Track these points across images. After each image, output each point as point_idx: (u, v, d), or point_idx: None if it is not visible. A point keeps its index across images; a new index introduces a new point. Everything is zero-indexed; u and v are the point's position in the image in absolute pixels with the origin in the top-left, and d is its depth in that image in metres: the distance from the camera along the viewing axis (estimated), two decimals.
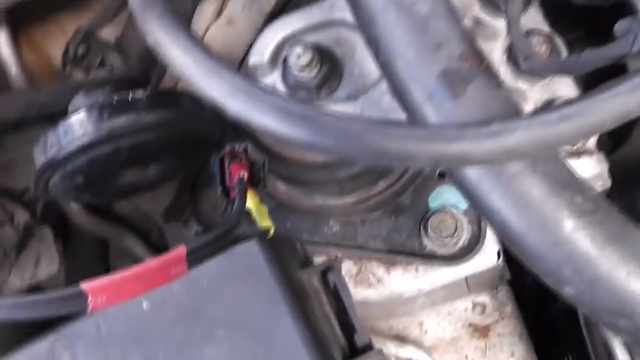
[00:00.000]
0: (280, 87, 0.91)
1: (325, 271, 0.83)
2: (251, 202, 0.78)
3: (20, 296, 0.65)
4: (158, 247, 1.06)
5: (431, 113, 0.66)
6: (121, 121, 0.81)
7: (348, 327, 0.82)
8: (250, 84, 0.61)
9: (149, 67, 1.01)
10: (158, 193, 1.02)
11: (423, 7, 0.67)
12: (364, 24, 0.69)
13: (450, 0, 0.66)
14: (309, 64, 0.87)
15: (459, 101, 0.65)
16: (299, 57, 0.87)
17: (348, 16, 0.90)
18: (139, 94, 0.83)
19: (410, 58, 0.67)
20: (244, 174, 0.81)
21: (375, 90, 0.89)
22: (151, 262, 0.67)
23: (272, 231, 0.76)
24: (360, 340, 0.80)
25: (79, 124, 0.82)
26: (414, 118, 0.67)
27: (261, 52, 0.92)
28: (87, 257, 1.05)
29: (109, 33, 1.05)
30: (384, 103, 0.89)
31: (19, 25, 1.01)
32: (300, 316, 0.76)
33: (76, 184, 0.85)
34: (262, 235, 0.76)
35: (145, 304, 0.78)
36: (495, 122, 0.60)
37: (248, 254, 0.77)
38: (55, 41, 1.05)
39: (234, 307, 0.77)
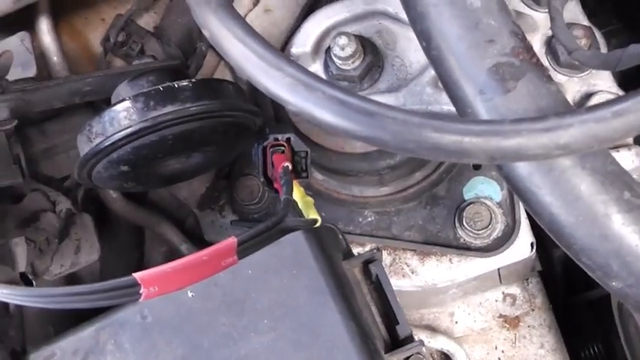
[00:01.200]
0: (322, 75, 0.91)
1: (367, 262, 0.83)
2: (297, 193, 0.78)
3: (75, 286, 0.65)
4: (193, 234, 1.07)
5: (481, 108, 0.66)
6: (167, 110, 0.81)
7: (389, 318, 0.82)
8: (311, 77, 0.62)
9: (188, 54, 1.01)
10: (194, 181, 1.03)
11: (475, 2, 0.67)
12: (416, 18, 0.69)
13: None
14: (352, 55, 0.87)
15: (510, 96, 0.66)
16: (343, 48, 0.87)
17: (389, 7, 0.91)
18: (184, 83, 0.83)
19: (461, 53, 0.67)
20: (288, 165, 0.81)
21: (416, 82, 0.89)
22: (202, 253, 0.67)
23: (319, 223, 0.76)
24: (402, 331, 0.81)
25: (124, 113, 0.82)
26: (464, 113, 0.68)
27: (304, 43, 0.92)
28: (123, 243, 1.06)
29: (147, 21, 1.05)
30: (425, 96, 0.89)
31: (59, 13, 1.01)
32: (345, 307, 0.77)
33: (120, 172, 0.85)
34: (309, 226, 0.76)
35: (190, 293, 0.79)
36: (550, 118, 0.61)
37: (295, 245, 0.77)
38: (95, 29, 1.05)
39: (279, 297, 0.78)
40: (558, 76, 0.95)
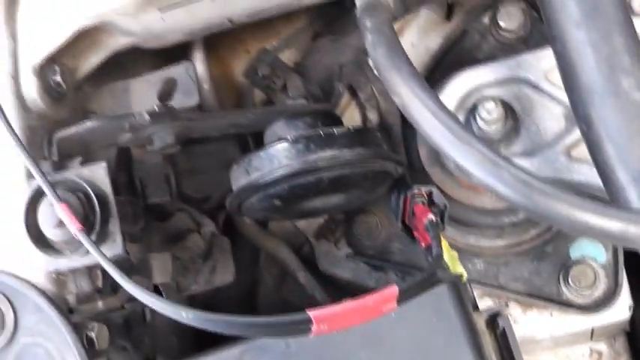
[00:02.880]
0: None
1: (494, 315, 0.89)
2: (443, 246, 0.84)
3: (254, 317, 0.71)
4: (307, 261, 1.12)
5: (635, 196, 0.72)
6: (326, 154, 0.87)
7: None
8: (497, 156, 0.68)
9: (326, 92, 1.07)
10: None
11: (638, 95, 0.73)
12: (578, 103, 0.75)
13: None
14: (497, 120, 0.93)
15: None
16: (490, 113, 0.92)
17: (531, 75, 0.96)
18: (343, 130, 0.90)
19: (621, 142, 0.73)
20: (435, 219, 0.87)
21: (551, 150, 0.95)
22: (369, 298, 0.73)
23: (465, 278, 0.82)
24: None
25: (285, 153, 0.88)
26: (616, 196, 0.74)
27: (449, 98, 0.98)
28: (240, 263, 1.12)
29: (287, 56, 1.11)
30: (558, 164, 0.94)
31: (208, 41, 1.07)
32: (479, 357, 0.83)
33: (272, 205, 0.91)
34: (455, 280, 0.82)
35: None
36: None
37: (438, 296, 0.83)
38: (239, 59, 1.11)
39: (418, 341, 0.84)
40: None
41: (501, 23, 1.08)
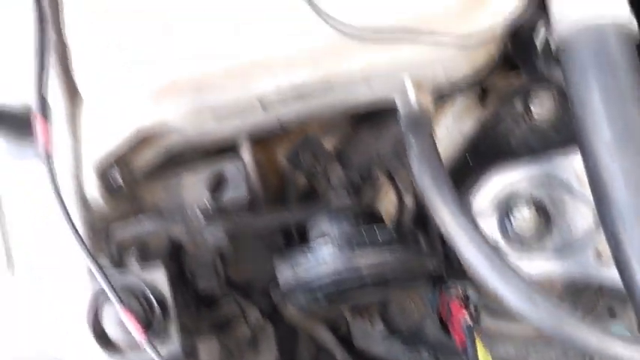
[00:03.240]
0: (496, 232, 1.02)
1: None
2: (478, 347, 0.89)
3: None
4: (343, 337, 1.18)
5: None
6: (370, 255, 0.93)
7: None
8: (531, 290, 0.74)
9: (367, 178, 1.12)
10: None
11: None
12: (607, 221, 0.80)
13: None
14: (531, 222, 0.98)
15: None
16: (524, 218, 0.97)
17: (563, 176, 1.01)
18: (385, 230, 0.95)
19: None
20: (471, 322, 0.92)
21: (582, 252, 0.99)
22: None
23: None
24: None
25: (329, 251, 0.94)
26: (634, 295, 0.78)
27: (485, 198, 1.02)
28: (282, 340, 1.17)
29: (328, 142, 1.16)
30: (589, 267, 0.99)
31: None
32: None
33: (314, 298, 0.97)
34: None
35: None
36: None
37: None
38: (282, 143, 1.16)
39: None
40: None
41: (533, 108, 1.13)
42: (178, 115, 0.91)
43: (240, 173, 1.01)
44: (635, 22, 0.86)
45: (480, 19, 0.84)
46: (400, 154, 1.13)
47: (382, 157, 1.14)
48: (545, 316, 0.74)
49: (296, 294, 0.97)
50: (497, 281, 0.76)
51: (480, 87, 1.15)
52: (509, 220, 1.00)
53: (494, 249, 0.78)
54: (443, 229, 0.80)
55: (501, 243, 1.00)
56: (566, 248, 1.00)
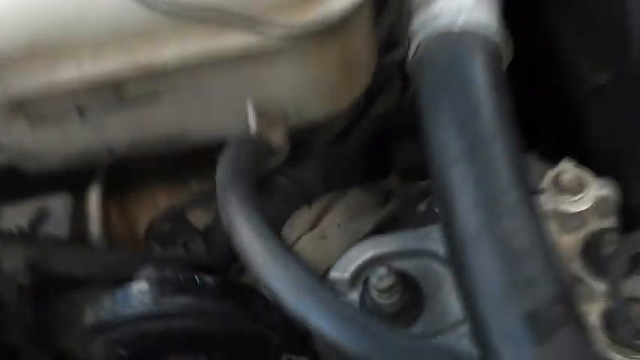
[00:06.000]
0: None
1: None
2: None
3: None
4: None
5: (507, 357, 0.59)
6: (181, 300, 0.77)
7: None
8: (315, 280, 0.58)
9: (230, 263, 0.98)
10: None
11: (522, 241, 0.62)
12: (454, 251, 0.65)
13: (554, 243, 0.61)
14: (389, 289, 0.81)
15: (542, 349, 0.58)
16: (381, 279, 0.81)
17: (440, 248, 0.86)
18: (209, 279, 0.79)
19: (495, 293, 0.62)
20: None
21: (453, 332, 0.82)
22: None
23: None
24: None
25: (137, 294, 0.78)
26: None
27: (345, 268, 0.87)
28: None
29: (200, 217, 1.03)
30: (460, 347, 0.81)
31: (113, 185, 1.00)
32: None
33: (118, 356, 0.80)
34: None
35: None
36: None
37: None
38: (144, 211, 1.03)
39: None
40: (613, 354, 0.86)
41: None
42: None
43: (66, 211, 0.88)
44: (500, 36, 0.76)
45: (311, 10, 0.74)
46: None
47: None
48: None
49: (98, 345, 0.80)
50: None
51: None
52: (369, 292, 0.84)
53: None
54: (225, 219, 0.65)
55: None
56: (438, 331, 0.83)
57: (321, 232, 1.05)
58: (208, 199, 1.03)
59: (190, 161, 1.01)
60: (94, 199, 0.98)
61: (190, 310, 0.77)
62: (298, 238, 1.04)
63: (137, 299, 0.78)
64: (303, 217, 1.05)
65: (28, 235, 0.83)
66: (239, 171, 0.74)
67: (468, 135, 0.68)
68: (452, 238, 0.66)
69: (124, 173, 0.99)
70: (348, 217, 1.05)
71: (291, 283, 0.63)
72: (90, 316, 0.80)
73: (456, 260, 0.65)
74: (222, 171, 0.74)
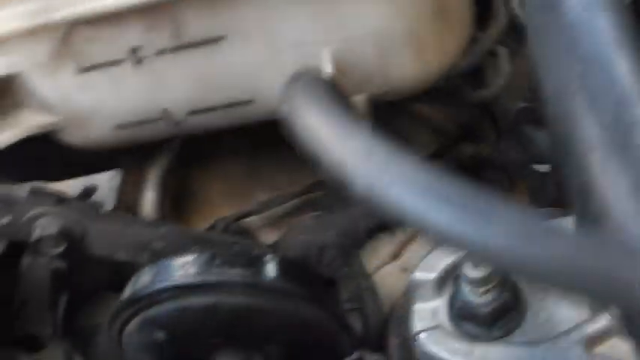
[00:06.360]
0: (444, 316, 0.71)
1: None
2: None
3: None
4: None
5: None
6: (232, 271, 0.64)
7: None
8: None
9: None
10: None
11: None
12: None
13: None
14: (485, 282, 0.67)
15: None
16: (475, 269, 0.67)
17: None
18: (269, 255, 0.67)
19: None
20: None
21: (565, 338, 0.66)
22: None
23: None
24: None
25: (181, 265, 0.66)
26: None
27: (432, 267, 0.73)
28: None
29: (268, 235, 0.91)
30: (573, 356, 0.65)
31: (175, 201, 0.90)
32: None
33: (154, 342, 0.66)
34: None
35: None
36: None
37: None
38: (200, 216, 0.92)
39: None
40: None
41: None
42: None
43: (111, 187, 0.78)
44: None
45: None
46: (348, 252, 0.87)
47: (325, 254, 0.86)
48: None
49: (131, 328, 0.67)
50: None
51: None
52: (460, 288, 0.69)
53: None
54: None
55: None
56: (543, 338, 0.67)
57: (404, 265, 0.92)
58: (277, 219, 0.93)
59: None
60: (149, 197, 0.87)
61: (241, 283, 0.63)
62: (378, 268, 0.91)
63: (180, 270, 0.65)
64: (385, 248, 0.93)
65: (63, 197, 0.72)
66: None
67: None
68: None
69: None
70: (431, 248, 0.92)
71: None
72: (127, 292, 0.67)
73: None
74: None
